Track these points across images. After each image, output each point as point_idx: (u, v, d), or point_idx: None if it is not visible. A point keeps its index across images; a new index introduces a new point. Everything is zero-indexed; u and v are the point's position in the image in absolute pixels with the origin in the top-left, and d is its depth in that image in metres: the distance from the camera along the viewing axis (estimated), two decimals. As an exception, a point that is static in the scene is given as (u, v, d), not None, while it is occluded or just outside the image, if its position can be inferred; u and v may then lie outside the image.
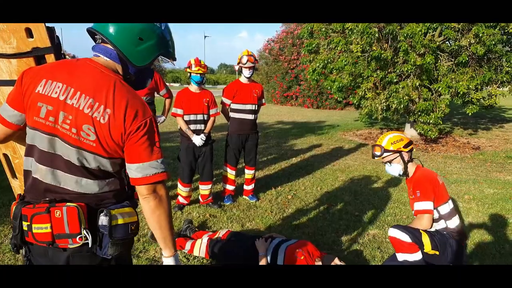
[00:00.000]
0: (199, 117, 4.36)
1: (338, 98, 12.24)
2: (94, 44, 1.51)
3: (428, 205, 2.79)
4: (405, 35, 7.70)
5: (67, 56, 2.15)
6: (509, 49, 8.83)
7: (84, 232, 1.38)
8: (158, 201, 1.46)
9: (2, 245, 2.66)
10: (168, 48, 1.55)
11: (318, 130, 11.17)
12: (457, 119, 13.37)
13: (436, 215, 2.84)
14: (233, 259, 3.14)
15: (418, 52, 7.79)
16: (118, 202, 1.50)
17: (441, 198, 2.84)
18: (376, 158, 3.02)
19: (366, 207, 4.70)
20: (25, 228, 1.39)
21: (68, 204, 1.37)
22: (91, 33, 1.51)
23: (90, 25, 1.49)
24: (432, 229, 2.84)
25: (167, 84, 5.54)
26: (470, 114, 8.50)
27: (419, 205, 2.83)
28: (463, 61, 7.98)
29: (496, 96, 8.87)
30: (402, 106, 8.27)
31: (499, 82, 8.79)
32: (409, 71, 7.99)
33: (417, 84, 8.17)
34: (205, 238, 3.39)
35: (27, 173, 1.47)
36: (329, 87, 9.39)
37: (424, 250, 2.75)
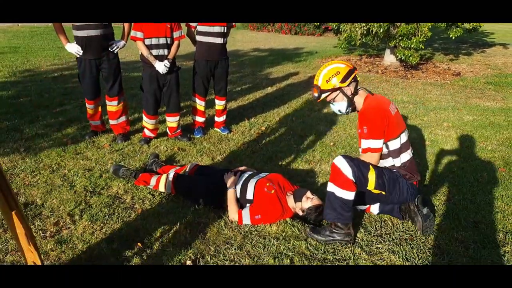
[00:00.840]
0: (162, 40, 3.89)
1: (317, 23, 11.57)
2: None
3: (375, 143, 2.54)
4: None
5: None
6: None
7: None
8: None
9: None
10: None
11: (295, 57, 10.66)
12: (438, 45, 12.98)
13: (385, 151, 2.61)
14: (201, 195, 2.96)
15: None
16: None
17: (392, 132, 2.58)
18: (318, 100, 2.70)
19: (342, 137, 4.54)
20: None
21: None
22: None
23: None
24: (380, 166, 2.63)
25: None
26: (453, 38, 8.17)
27: (366, 143, 2.57)
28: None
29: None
30: (382, 30, 7.86)
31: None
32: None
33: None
34: (171, 173, 3.17)
35: None
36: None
37: (368, 188, 2.53)
